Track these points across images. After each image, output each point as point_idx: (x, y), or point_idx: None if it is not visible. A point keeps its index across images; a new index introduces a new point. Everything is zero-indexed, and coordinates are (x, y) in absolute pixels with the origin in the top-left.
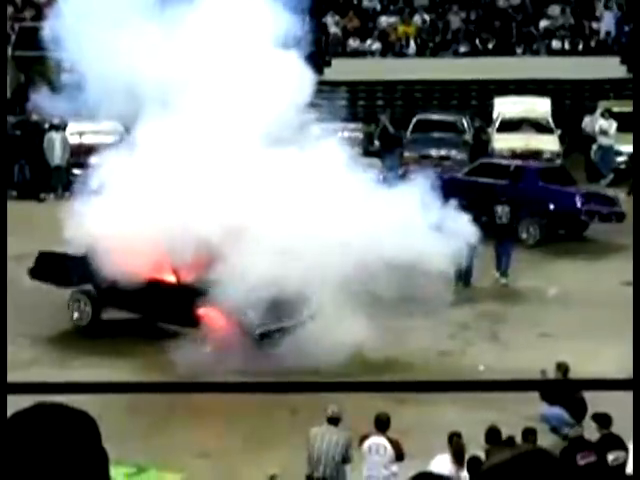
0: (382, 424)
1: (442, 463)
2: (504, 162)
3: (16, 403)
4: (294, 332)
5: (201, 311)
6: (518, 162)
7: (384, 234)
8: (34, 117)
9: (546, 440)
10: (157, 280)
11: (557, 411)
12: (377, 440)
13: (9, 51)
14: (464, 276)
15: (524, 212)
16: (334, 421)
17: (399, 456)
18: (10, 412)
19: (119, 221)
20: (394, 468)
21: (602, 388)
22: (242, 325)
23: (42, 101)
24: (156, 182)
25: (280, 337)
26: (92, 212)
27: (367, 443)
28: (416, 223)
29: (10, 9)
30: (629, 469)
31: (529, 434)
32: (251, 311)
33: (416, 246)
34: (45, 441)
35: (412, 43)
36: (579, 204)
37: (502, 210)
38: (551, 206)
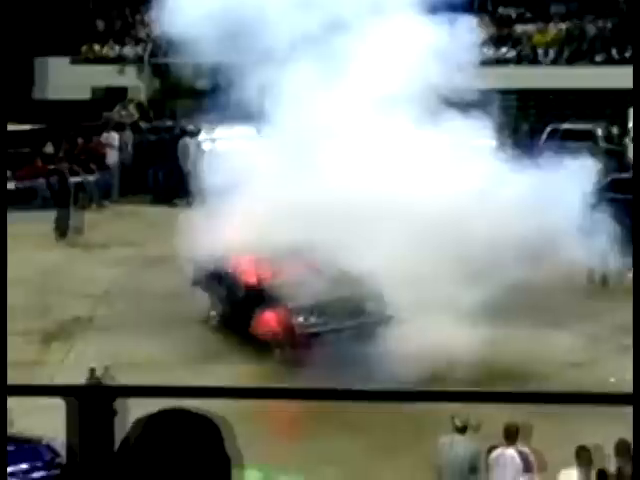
0: (511, 435)
1: (569, 476)
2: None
3: (145, 407)
4: (363, 333)
5: (263, 315)
6: None
7: (519, 223)
8: (168, 123)
9: None
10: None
11: None
12: (505, 451)
13: (145, 58)
14: (602, 278)
15: None
16: (462, 430)
17: (527, 468)
18: (138, 416)
19: (247, 228)
20: None
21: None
22: (294, 327)
23: (177, 107)
24: (286, 188)
25: (337, 337)
26: (222, 218)
27: (495, 454)
28: (559, 220)
29: (146, 16)
30: None
31: None
32: (302, 314)
33: (558, 242)
34: (168, 446)
35: (548, 51)
36: None
37: None
38: None
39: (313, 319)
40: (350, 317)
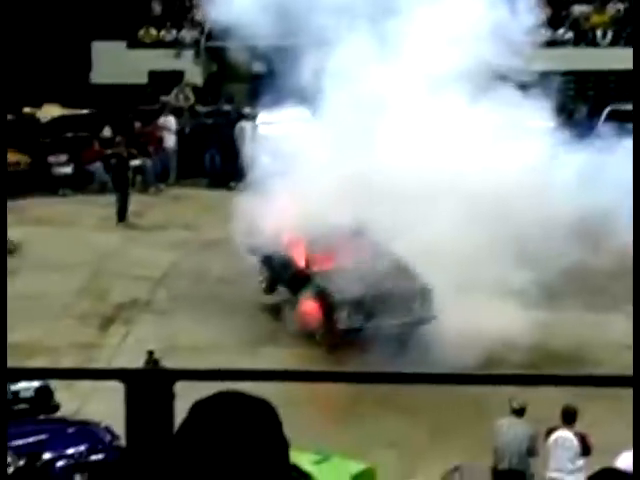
0: (569, 417)
1: (628, 459)
2: None
3: (199, 391)
4: (407, 330)
5: (306, 305)
6: None
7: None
8: (225, 106)
9: None
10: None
11: None
12: (564, 434)
13: (202, 41)
14: None
15: None
16: (520, 412)
17: (585, 450)
18: (194, 399)
19: (301, 210)
20: (580, 462)
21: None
22: (335, 321)
23: (234, 90)
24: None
25: (379, 335)
26: (277, 201)
27: (553, 436)
28: (615, 201)
29: None
30: None
31: None
32: (345, 308)
33: (613, 224)
34: (225, 429)
35: (606, 32)
36: None
37: None
38: None
39: (356, 315)
40: (395, 316)
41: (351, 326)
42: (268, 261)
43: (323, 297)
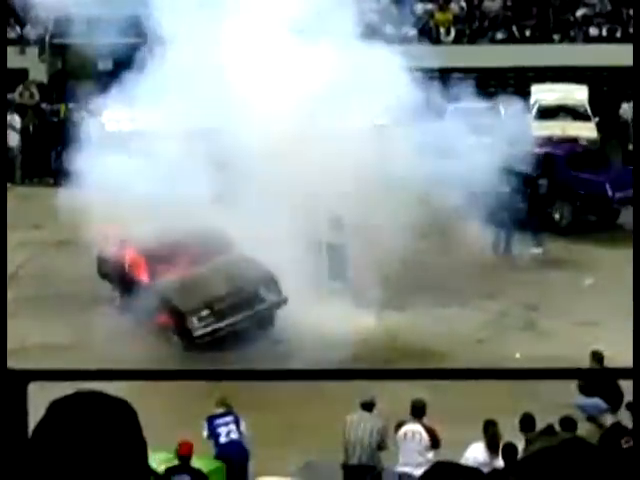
0: (418, 411)
1: (477, 451)
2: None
3: (59, 391)
4: (261, 319)
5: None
6: (547, 149)
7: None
8: (71, 104)
9: (583, 429)
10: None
11: (593, 400)
12: (413, 427)
13: (46, 38)
14: (505, 245)
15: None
16: (368, 407)
17: (435, 443)
18: (50, 399)
19: (145, 212)
20: (429, 455)
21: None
22: (191, 329)
23: (79, 88)
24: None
25: (235, 330)
26: (124, 201)
27: (402, 430)
28: (460, 197)
29: None
30: None
31: (567, 423)
32: (196, 314)
33: (457, 218)
34: (83, 429)
35: (449, 30)
36: (610, 193)
37: (542, 181)
38: (582, 193)
39: (207, 320)
40: (245, 308)
41: (205, 331)
42: (114, 269)
43: (170, 308)
